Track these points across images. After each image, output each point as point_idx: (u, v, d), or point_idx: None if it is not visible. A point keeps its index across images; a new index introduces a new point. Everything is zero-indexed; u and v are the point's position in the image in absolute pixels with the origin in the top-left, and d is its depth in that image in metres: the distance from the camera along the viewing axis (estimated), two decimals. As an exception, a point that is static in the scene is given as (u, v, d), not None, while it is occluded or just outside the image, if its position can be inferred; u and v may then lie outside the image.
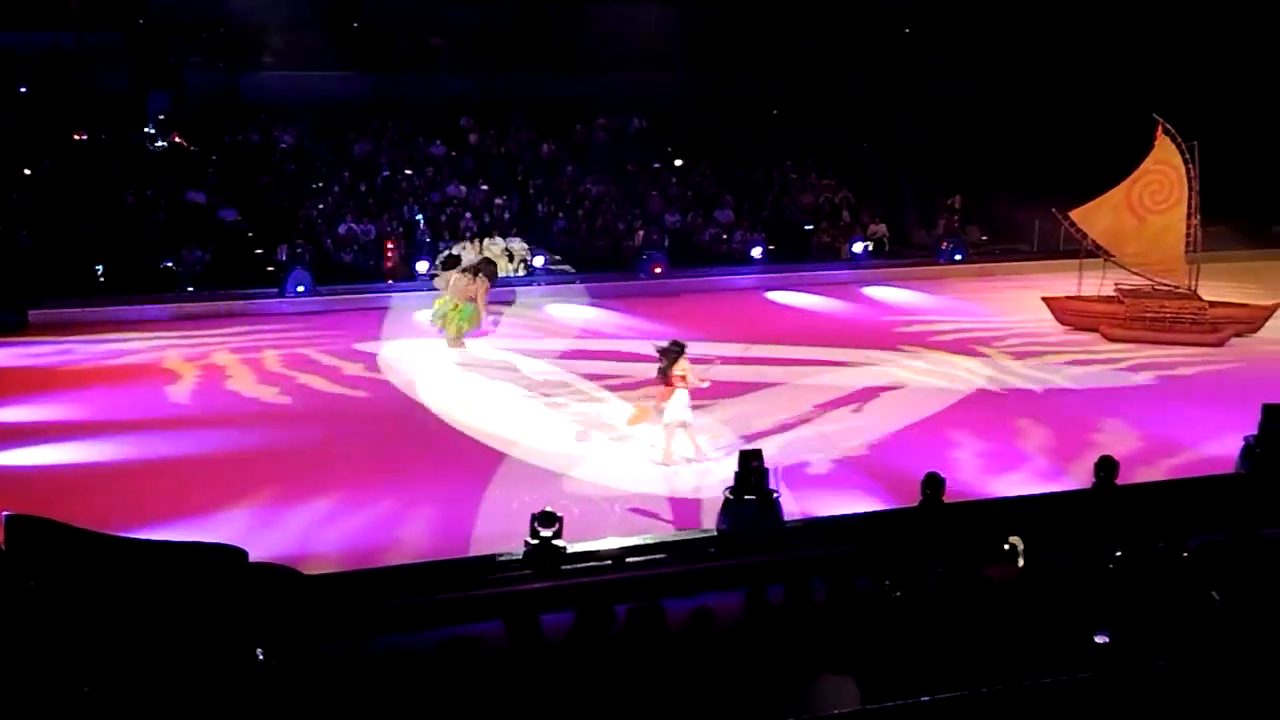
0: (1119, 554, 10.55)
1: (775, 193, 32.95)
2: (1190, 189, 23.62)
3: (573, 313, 25.68)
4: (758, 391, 19.64)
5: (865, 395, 19.50)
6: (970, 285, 28.57)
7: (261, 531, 13.94)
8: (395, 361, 21.67)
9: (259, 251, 27.59)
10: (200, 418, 18.22)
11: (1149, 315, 23.38)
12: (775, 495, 13.36)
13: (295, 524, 14.35)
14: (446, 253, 24.78)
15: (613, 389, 19.56)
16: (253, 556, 11.09)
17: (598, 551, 12.85)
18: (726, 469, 14.20)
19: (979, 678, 8.12)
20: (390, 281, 27.00)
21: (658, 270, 28.17)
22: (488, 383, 20.37)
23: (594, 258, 29.27)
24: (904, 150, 34.47)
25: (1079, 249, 24.80)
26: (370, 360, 21.77)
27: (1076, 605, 9.58)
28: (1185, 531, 10.92)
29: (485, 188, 30.77)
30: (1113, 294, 23.96)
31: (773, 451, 15.15)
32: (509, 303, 25.66)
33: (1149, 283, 23.82)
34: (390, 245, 27.71)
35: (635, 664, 8.62)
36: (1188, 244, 23.76)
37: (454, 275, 21.74)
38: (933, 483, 12.47)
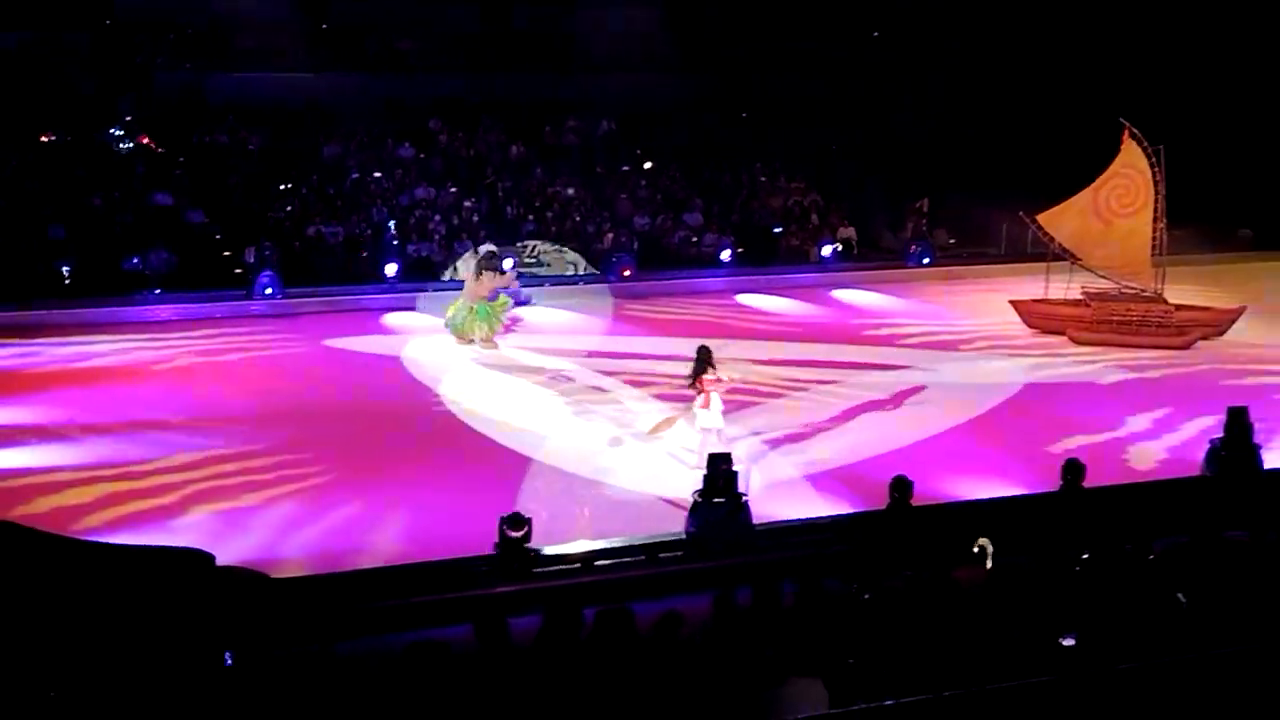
0: (1086, 556, 10.61)
1: (744, 196, 32.94)
2: (1156, 193, 23.75)
3: (550, 316, 25.65)
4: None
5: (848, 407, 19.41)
6: (938, 288, 28.58)
7: (230, 535, 13.86)
8: (372, 358, 21.83)
9: (227, 253, 27.37)
10: (167, 420, 18.08)
11: (1115, 318, 23.47)
12: (744, 498, 13.40)
13: (265, 527, 14.28)
14: (488, 250, 25.06)
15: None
16: (220, 560, 11.05)
17: (566, 555, 12.85)
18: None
19: (947, 680, 8.15)
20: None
21: (626, 273, 28.16)
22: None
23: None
24: (872, 154, 34.54)
25: (1046, 252, 24.89)
26: (340, 361, 21.71)
27: (1044, 608, 9.62)
28: (1152, 534, 10.96)
29: (454, 190, 30.68)
30: (1079, 297, 24.09)
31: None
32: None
33: (1115, 286, 23.92)
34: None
35: (603, 667, 8.62)
36: (1154, 247, 23.89)
37: (467, 277, 22.42)
38: (900, 485, 12.50)
